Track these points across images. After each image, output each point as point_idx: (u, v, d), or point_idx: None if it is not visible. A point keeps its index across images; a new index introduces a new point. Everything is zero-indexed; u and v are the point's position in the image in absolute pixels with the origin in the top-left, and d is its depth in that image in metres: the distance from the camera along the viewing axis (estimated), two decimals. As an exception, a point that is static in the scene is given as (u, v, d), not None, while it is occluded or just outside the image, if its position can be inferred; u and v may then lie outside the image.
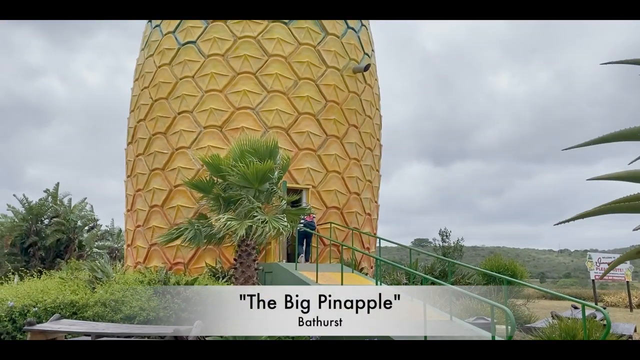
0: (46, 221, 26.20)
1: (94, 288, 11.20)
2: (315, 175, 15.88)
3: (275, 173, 10.56)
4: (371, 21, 19.78)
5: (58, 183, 27.01)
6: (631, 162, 2.64)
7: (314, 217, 14.72)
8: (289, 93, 15.93)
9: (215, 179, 10.87)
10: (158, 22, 17.67)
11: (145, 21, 19.07)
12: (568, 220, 2.13)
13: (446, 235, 27.35)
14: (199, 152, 14.79)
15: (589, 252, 25.35)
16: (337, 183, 16.33)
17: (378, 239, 17.17)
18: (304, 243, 14.67)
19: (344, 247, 14.10)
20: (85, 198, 30.07)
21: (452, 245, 26.80)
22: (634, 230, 1.84)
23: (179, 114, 16.18)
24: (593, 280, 26.02)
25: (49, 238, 24.96)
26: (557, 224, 2.15)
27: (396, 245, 15.24)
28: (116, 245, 31.57)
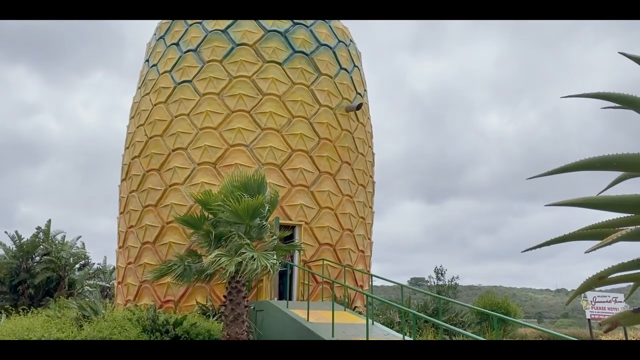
0: (37, 258, 25.90)
1: (81, 326, 11.01)
2: (308, 212, 15.91)
3: (266, 208, 10.60)
4: (364, 63, 20.30)
5: (50, 220, 26.84)
6: (600, 192, 2.72)
7: (290, 257, 14.85)
8: (283, 131, 16.16)
9: (206, 214, 10.90)
10: (155, 61, 18.08)
11: (142, 60, 19.52)
12: (535, 247, 2.19)
13: (441, 274, 27.15)
14: (192, 189, 14.86)
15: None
16: (330, 220, 16.35)
17: (371, 277, 17.07)
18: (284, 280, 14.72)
19: (336, 285, 13.98)
20: (80, 236, 29.88)
21: (447, 283, 26.54)
22: (585, 252, 1.89)
23: (173, 150, 16.33)
24: (589, 319, 25.72)
25: (38, 276, 24.61)
26: (525, 251, 2.21)
27: (392, 284, 15.12)
28: (108, 285, 31.12)
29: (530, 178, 2.20)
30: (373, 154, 19.60)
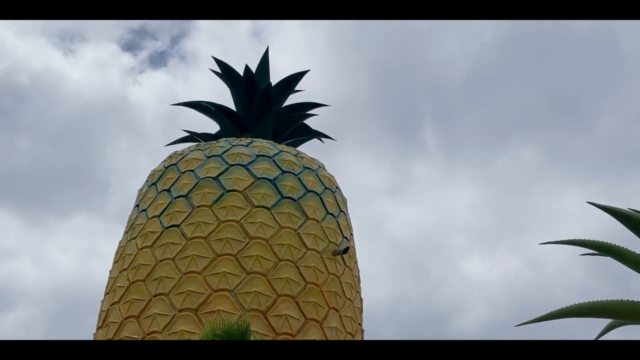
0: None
1: None
2: (294, 363, 14.96)
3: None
4: (349, 208, 20.91)
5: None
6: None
7: None
8: (269, 274, 15.93)
9: (184, 366, 10.19)
10: (145, 206, 18.40)
11: (132, 205, 19.90)
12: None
13: None
14: (171, 338, 14.10)
15: None
16: (316, 372, 15.31)
17: None
18: None
19: None
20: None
21: None
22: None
23: (154, 296, 15.81)
24: None
25: None
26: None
27: None
28: None
29: (518, 325, 2.16)
30: (361, 299, 19.14)
